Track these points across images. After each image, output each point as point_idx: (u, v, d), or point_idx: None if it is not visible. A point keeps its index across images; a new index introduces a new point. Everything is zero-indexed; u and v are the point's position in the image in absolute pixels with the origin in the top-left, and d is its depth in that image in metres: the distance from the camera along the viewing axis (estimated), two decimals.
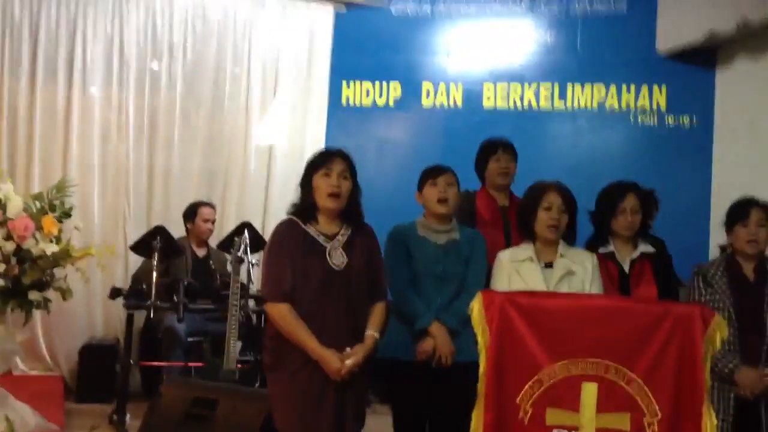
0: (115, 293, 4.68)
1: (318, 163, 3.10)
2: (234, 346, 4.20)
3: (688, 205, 6.00)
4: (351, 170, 3.12)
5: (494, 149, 4.11)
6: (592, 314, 2.63)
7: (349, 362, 2.97)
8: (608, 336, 2.60)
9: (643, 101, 6.29)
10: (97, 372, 5.52)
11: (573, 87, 6.36)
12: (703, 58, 6.16)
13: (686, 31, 5.93)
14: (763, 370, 3.31)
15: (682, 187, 6.06)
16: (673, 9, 6.08)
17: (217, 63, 6.33)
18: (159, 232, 4.92)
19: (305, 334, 2.95)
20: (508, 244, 3.76)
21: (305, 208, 3.09)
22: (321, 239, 3.06)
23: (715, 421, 2.54)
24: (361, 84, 6.45)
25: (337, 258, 3.03)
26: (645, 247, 3.58)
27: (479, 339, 2.65)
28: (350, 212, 3.13)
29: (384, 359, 3.43)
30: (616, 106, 6.32)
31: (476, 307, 2.67)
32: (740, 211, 3.55)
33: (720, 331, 2.57)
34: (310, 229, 3.07)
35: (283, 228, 3.08)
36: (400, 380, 3.46)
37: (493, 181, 4.08)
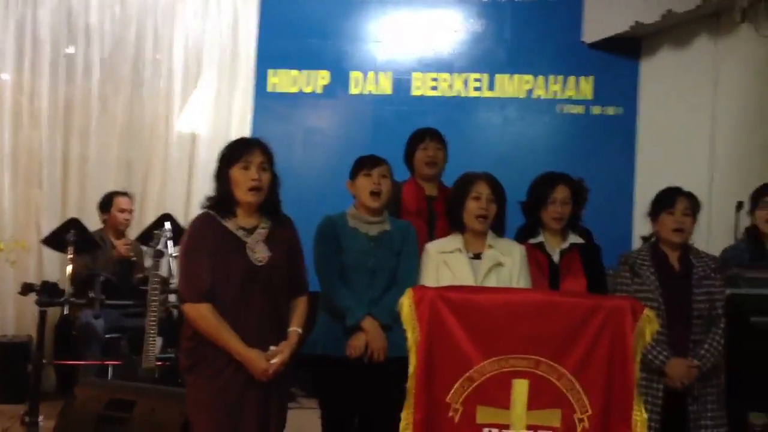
0: (26, 289, 4.46)
1: (235, 155, 2.95)
2: (153, 344, 4.04)
3: (612, 195, 6.07)
4: (270, 161, 2.99)
5: (422, 138, 4.04)
6: (524, 310, 2.58)
7: (275, 361, 2.86)
8: (540, 331, 2.55)
9: (570, 91, 6.32)
10: (8, 371, 5.28)
11: (501, 77, 6.34)
12: (628, 48, 6.24)
13: (612, 21, 5.99)
14: (691, 360, 3.33)
15: (607, 176, 6.11)
16: (600, 0, 6.13)
17: (136, 48, 6.11)
18: (73, 225, 4.72)
19: (228, 334, 2.82)
20: (431, 235, 3.71)
21: (222, 201, 2.94)
22: (240, 234, 2.92)
23: (644, 415, 2.52)
24: (288, 71, 6.30)
25: (259, 252, 2.90)
26: (574, 238, 3.58)
27: (409, 336, 2.57)
28: (269, 204, 3.00)
29: (314, 356, 3.36)
30: (543, 95, 6.33)
31: (406, 303, 2.59)
32: (666, 199, 3.55)
33: (649, 324, 2.55)
34: (229, 224, 2.93)
35: (199, 223, 2.93)
36: (330, 377, 3.36)
37: (420, 171, 4.01)
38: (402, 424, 2.54)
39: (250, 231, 2.94)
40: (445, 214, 3.54)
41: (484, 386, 2.53)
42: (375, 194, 3.41)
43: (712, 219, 5.06)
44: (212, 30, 6.20)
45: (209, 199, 2.97)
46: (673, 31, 5.85)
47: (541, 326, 2.55)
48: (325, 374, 3.37)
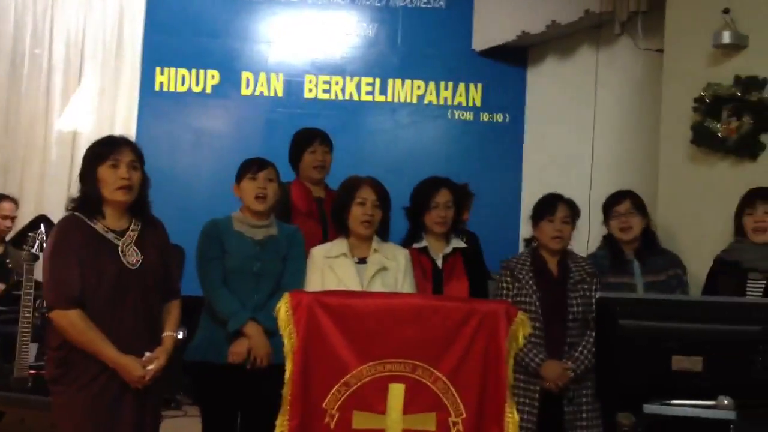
0: None
1: (103, 153, 2.82)
2: (26, 351, 3.86)
3: (501, 200, 6.20)
4: (140, 160, 2.89)
5: (310, 141, 3.99)
6: (401, 314, 2.59)
7: (151, 367, 2.77)
8: (416, 335, 2.57)
9: (460, 97, 6.43)
10: None
11: (394, 82, 6.39)
12: (516, 57, 6.39)
13: (500, 30, 6.12)
14: (566, 363, 3.43)
15: (495, 182, 6.25)
16: (488, 8, 6.26)
17: (14, 42, 5.85)
18: None
19: (100, 341, 2.71)
20: (325, 236, 3.69)
21: (89, 202, 2.81)
22: (110, 236, 2.81)
23: (516, 417, 2.57)
24: (176, 70, 6.16)
25: (131, 255, 2.80)
26: (457, 242, 3.62)
27: (286, 342, 2.55)
28: (139, 205, 2.90)
29: (195, 362, 3.28)
30: (434, 101, 6.42)
31: (283, 308, 2.56)
32: (546, 206, 3.63)
33: (523, 328, 2.61)
34: (98, 226, 2.81)
35: (65, 226, 2.80)
36: (210, 384, 3.28)
37: (308, 174, 3.97)
38: (277, 431, 2.51)
39: (121, 233, 2.84)
40: (331, 216, 3.52)
41: (360, 391, 2.53)
42: (260, 198, 3.36)
43: (591, 225, 5.23)
44: (96, 24, 6.01)
45: (74, 200, 2.84)
46: (557, 41, 6.03)
47: (417, 330, 2.56)
48: (206, 381, 3.29)
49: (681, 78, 4.23)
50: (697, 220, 4.04)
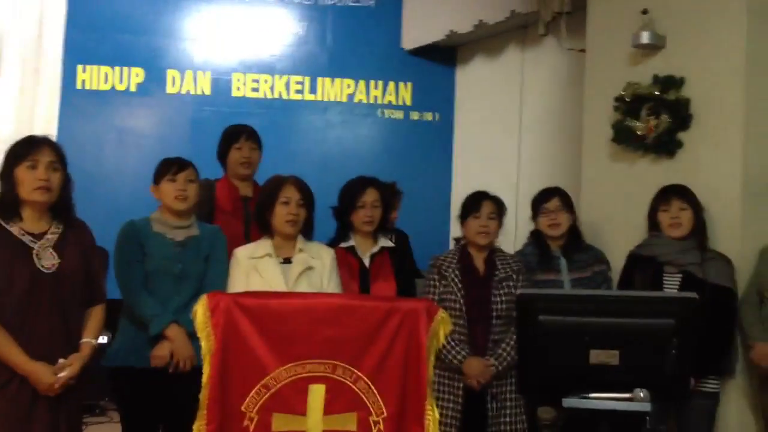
0: None
1: (21, 154, 2.74)
2: None
3: (431, 198, 6.25)
4: (61, 160, 2.81)
5: (236, 137, 3.95)
6: (321, 314, 2.57)
7: (62, 375, 2.69)
8: (337, 335, 2.55)
9: (390, 96, 6.44)
10: None
11: (323, 80, 6.36)
12: (445, 56, 6.44)
13: (428, 29, 6.15)
14: (488, 359, 3.46)
15: (426, 180, 6.30)
16: (417, 8, 6.29)
17: None
18: None
19: (9, 347, 2.62)
20: (247, 235, 3.64)
21: (6, 204, 2.73)
22: (26, 239, 2.73)
23: (437, 416, 2.58)
24: (98, 68, 6.01)
25: (47, 259, 2.72)
26: (385, 242, 3.62)
27: (203, 345, 2.50)
28: (60, 207, 2.82)
29: (115, 368, 3.20)
30: (364, 100, 6.41)
31: (200, 311, 2.51)
32: (472, 203, 3.68)
33: (443, 325, 2.62)
34: (14, 228, 2.72)
35: None
36: (131, 389, 3.21)
37: (234, 171, 3.93)
38: None
39: (39, 236, 2.75)
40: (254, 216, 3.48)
41: (280, 393, 2.50)
42: (181, 199, 3.30)
43: (519, 222, 5.30)
44: (14, 21, 5.80)
45: None
46: (485, 41, 6.10)
47: (338, 330, 2.55)
48: (127, 386, 3.22)
49: (602, 77, 4.31)
50: (619, 217, 4.12)
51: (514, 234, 5.18)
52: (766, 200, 3.66)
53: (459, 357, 3.44)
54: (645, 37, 3.98)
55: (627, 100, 4.07)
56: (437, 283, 3.60)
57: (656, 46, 4.01)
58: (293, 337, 2.52)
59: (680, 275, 3.53)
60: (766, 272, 3.46)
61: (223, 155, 3.96)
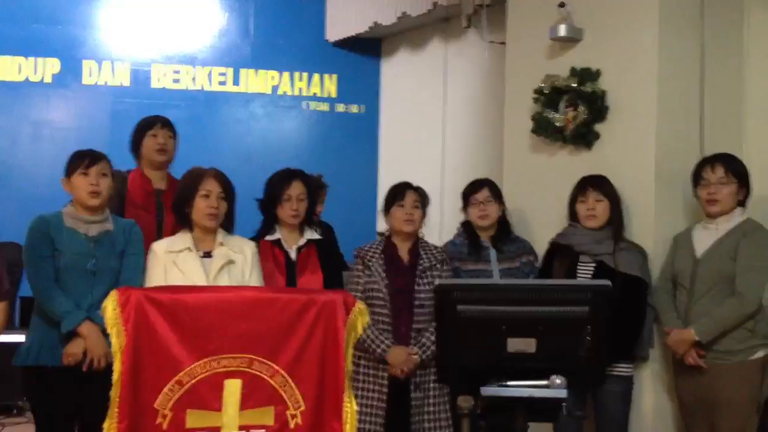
0: None
1: None
2: None
3: (357, 190, 6.24)
4: None
5: (151, 125, 3.86)
6: (236, 308, 2.53)
7: None
8: (252, 329, 2.52)
9: (315, 88, 6.41)
10: None
11: (247, 72, 6.28)
12: (370, 48, 6.44)
13: (353, 21, 6.13)
14: (412, 349, 3.48)
15: (352, 172, 6.28)
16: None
17: None
18: None
19: None
20: (159, 230, 3.57)
21: None
22: None
23: (355, 408, 2.57)
24: (11, 58, 5.80)
25: None
26: (311, 234, 3.61)
27: (113, 341, 2.43)
28: None
29: (28, 367, 3.09)
30: (289, 92, 6.36)
31: (110, 306, 2.44)
32: (396, 193, 3.72)
33: (361, 317, 2.61)
34: None
35: None
36: (44, 389, 3.11)
37: (150, 158, 3.83)
38: None
39: None
40: (172, 209, 3.42)
41: (194, 389, 2.46)
42: (94, 194, 3.21)
43: (444, 214, 5.35)
44: None
45: None
46: (409, 33, 6.11)
47: (254, 324, 2.52)
48: (39, 386, 3.12)
49: (522, 70, 4.36)
50: (539, 207, 4.18)
51: (439, 225, 5.23)
52: (678, 190, 3.76)
53: (383, 347, 3.45)
54: (562, 30, 4.04)
55: (546, 92, 4.12)
56: (362, 274, 3.61)
57: (573, 39, 4.07)
58: (208, 331, 2.48)
59: (594, 265, 3.60)
60: (679, 260, 3.56)
61: (137, 145, 3.86)
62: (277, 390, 2.52)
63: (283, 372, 2.52)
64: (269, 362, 2.52)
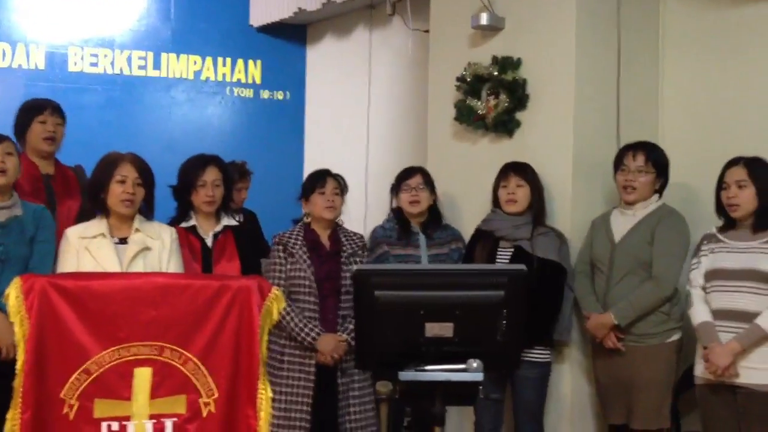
0: None
1: None
2: None
3: (283, 177, 6.14)
4: None
5: (40, 110, 3.71)
6: (146, 294, 2.47)
7: None
8: (163, 316, 2.47)
9: (239, 74, 6.31)
10: None
11: (168, 56, 6.13)
12: (295, 34, 6.37)
13: (277, 6, 6.05)
14: (340, 335, 3.48)
15: (277, 160, 6.22)
16: None
17: None
18: None
19: None
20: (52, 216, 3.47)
21: None
22: None
23: (270, 395, 2.54)
24: None
25: None
26: (228, 220, 3.57)
27: (17, 330, 2.35)
28: None
29: None
30: (212, 77, 6.24)
31: (13, 294, 2.35)
32: (316, 180, 3.71)
33: (277, 303, 2.57)
34: None
35: None
36: None
37: (36, 146, 3.69)
38: (8, 426, 2.32)
39: None
40: (64, 194, 3.30)
41: (103, 378, 2.40)
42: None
43: (368, 200, 5.35)
44: None
45: None
46: (334, 20, 6.07)
47: (165, 311, 2.47)
48: None
49: (445, 58, 4.38)
50: (462, 195, 4.22)
51: (364, 211, 5.23)
52: (596, 177, 3.84)
53: (312, 335, 3.45)
54: (484, 19, 4.07)
55: (468, 80, 4.15)
56: (284, 261, 3.59)
57: (495, 27, 4.11)
58: (116, 319, 2.42)
59: (512, 250, 3.65)
60: (597, 244, 3.63)
61: (22, 129, 3.69)
62: (189, 378, 2.47)
63: (195, 359, 2.48)
64: (181, 350, 2.47)
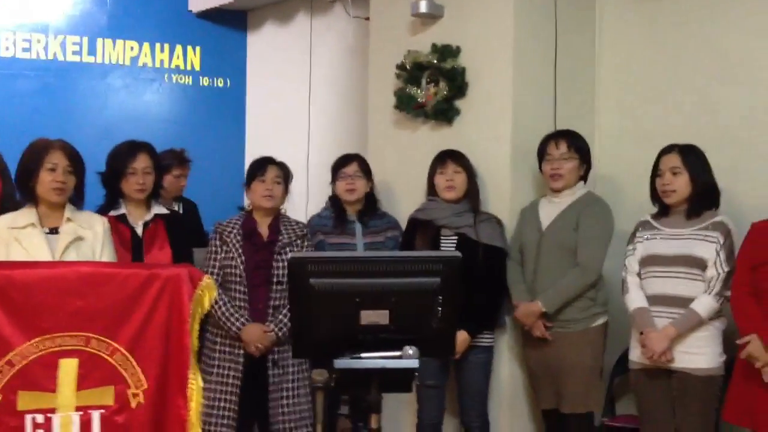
0: None
1: None
2: None
3: (224, 166, 6.08)
4: None
5: None
6: (71, 284, 2.41)
7: None
8: (90, 306, 2.41)
9: (178, 61, 6.19)
10: None
11: (104, 42, 5.98)
12: (236, 20, 6.27)
13: None
14: (268, 326, 3.44)
15: (218, 148, 6.13)
16: None
17: None
18: None
19: None
20: None
21: None
22: None
23: (200, 384, 2.50)
24: None
25: None
26: (159, 209, 3.50)
27: None
28: None
29: None
30: (150, 64, 6.11)
31: None
32: (257, 167, 3.66)
33: (208, 291, 2.53)
34: None
35: None
36: None
37: None
38: None
39: None
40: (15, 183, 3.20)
41: (26, 370, 2.33)
42: None
43: (310, 188, 5.32)
44: None
45: None
46: (275, 6, 6.00)
47: (91, 300, 2.40)
48: None
49: (385, 45, 4.36)
50: (403, 182, 4.22)
51: (306, 199, 5.19)
52: (533, 165, 3.87)
53: (237, 324, 3.41)
54: (423, 7, 4.07)
55: (408, 68, 4.14)
56: (219, 249, 3.54)
57: (434, 15, 4.11)
58: (40, 309, 2.35)
59: (456, 237, 3.66)
60: (525, 232, 3.67)
61: None
62: (117, 369, 2.42)
63: (123, 350, 2.42)
64: (108, 340, 2.41)
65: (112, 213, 3.38)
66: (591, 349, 3.53)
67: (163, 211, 3.51)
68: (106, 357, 2.41)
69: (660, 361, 3.19)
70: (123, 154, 3.42)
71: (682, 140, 3.37)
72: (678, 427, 3.22)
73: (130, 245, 3.35)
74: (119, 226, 3.35)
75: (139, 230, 3.41)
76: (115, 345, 2.42)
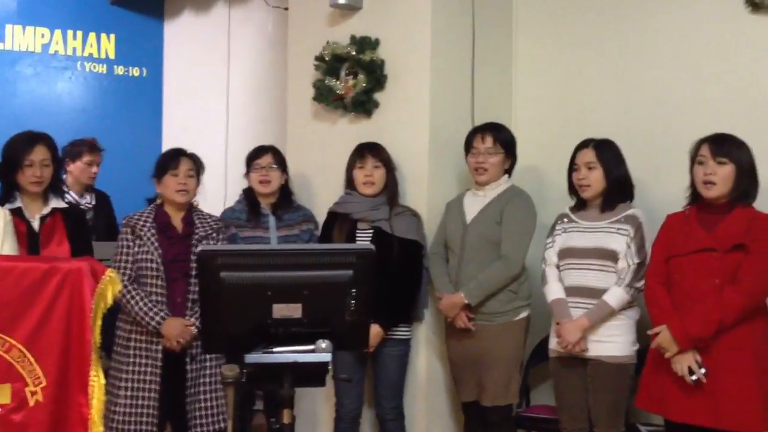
0: None
1: None
2: None
3: (139, 157, 5.89)
4: None
5: None
6: None
7: None
8: None
9: (91, 48, 5.99)
10: None
11: (13, 28, 5.74)
12: (152, 8, 6.12)
13: None
14: (188, 320, 3.37)
15: (133, 138, 5.98)
16: None
17: None
18: None
19: None
20: None
21: None
22: None
23: (102, 382, 2.43)
24: None
25: None
26: (57, 202, 3.38)
27: None
28: None
29: None
30: (62, 51, 5.90)
31: None
32: (169, 160, 3.59)
33: (112, 285, 2.46)
34: None
35: None
36: None
37: None
38: None
39: None
40: None
41: None
42: None
43: (228, 181, 5.23)
44: None
45: None
46: None
47: None
48: None
49: (304, 37, 4.31)
50: (321, 175, 4.17)
51: (224, 192, 5.10)
52: (451, 158, 3.89)
53: (157, 319, 3.33)
54: None
55: (326, 59, 4.10)
56: (131, 243, 3.45)
57: (353, 6, 4.08)
58: None
59: (372, 231, 3.65)
60: (450, 225, 3.69)
61: None
62: (13, 366, 2.32)
63: (20, 346, 2.33)
64: (4, 336, 2.31)
65: (8, 206, 3.23)
66: (513, 342, 3.57)
67: (62, 204, 3.38)
68: (1, 354, 2.31)
69: (574, 350, 3.24)
70: (19, 145, 3.28)
71: (600, 133, 3.42)
72: (590, 412, 3.28)
73: (26, 240, 3.20)
74: (15, 221, 3.18)
75: (36, 224, 3.28)
76: (12, 341, 2.32)
